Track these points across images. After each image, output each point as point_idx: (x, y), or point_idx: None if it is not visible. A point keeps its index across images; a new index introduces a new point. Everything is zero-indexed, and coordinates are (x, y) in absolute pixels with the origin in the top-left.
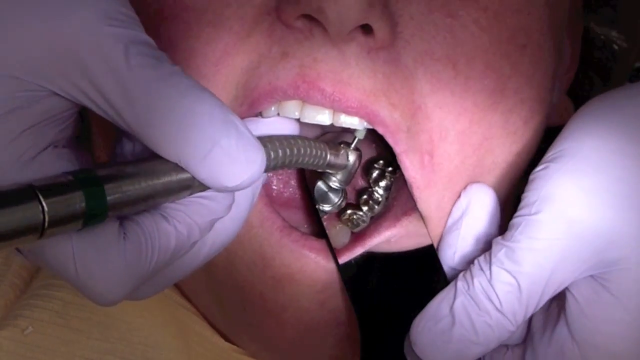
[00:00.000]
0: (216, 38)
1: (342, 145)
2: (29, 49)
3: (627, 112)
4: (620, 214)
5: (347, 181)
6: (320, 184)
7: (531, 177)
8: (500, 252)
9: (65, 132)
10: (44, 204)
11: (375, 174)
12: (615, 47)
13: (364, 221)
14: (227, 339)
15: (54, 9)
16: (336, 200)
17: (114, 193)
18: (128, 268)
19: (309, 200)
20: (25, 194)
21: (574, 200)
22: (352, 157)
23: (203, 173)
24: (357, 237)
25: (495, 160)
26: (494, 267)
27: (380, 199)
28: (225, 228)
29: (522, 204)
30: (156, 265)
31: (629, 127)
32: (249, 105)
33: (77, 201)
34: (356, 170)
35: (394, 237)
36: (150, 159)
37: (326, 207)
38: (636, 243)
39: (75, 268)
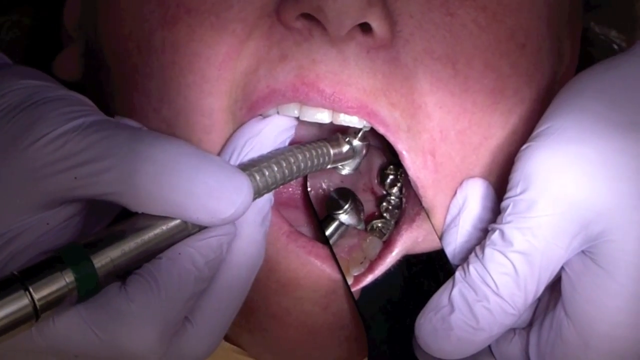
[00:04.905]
0: (219, 41)
1: (342, 136)
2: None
3: (607, 83)
4: (603, 183)
5: (356, 168)
6: (331, 193)
7: (516, 157)
8: (493, 235)
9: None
10: (31, 291)
11: (389, 179)
12: (615, 47)
13: (388, 228)
14: (228, 340)
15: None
16: (345, 205)
17: (103, 262)
18: (148, 316)
19: (309, 200)
20: (10, 284)
21: (555, 175)
22: (356, 143)
23: (194, 213)
24: (386, 245)
25: (496, 160)
26: (487, 250)
27: (398, 203)
28: (244, 249)
29: (509, 185)
30: (177, 301)
31: (610, 97)
32: (248, 109)
33: (65, 281)
34: (364, 157)
35: (420, 237)
36: (136, 217)
37: (340, 215)
38: (619, 213)
39: (98, 336)
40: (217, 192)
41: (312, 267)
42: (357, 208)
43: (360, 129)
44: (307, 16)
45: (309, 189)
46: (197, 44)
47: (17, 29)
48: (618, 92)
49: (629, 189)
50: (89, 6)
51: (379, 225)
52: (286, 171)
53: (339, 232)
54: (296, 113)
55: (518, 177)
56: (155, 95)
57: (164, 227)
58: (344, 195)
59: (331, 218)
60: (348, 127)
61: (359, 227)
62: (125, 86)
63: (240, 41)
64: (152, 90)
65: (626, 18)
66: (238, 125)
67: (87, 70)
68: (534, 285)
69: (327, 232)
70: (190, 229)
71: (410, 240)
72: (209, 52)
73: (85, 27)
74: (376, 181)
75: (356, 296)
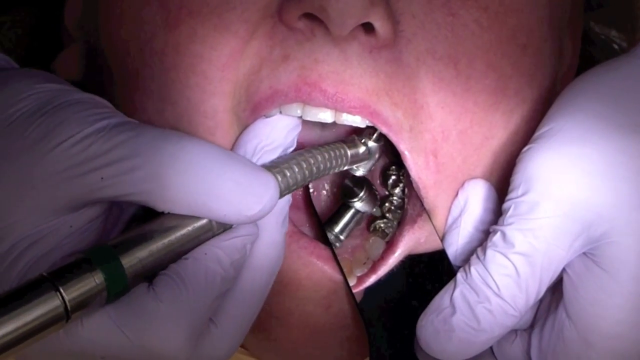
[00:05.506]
0: (222, 42)
1: (357, 137)
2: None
3: (609, 85)
4: (604, 184)
5: (370, 169)
6: (346, 181)
7: (518, 159)
8: (494, 237)
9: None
10: (62, 292)
11: (391, 179)
12: (616, 47)
13: (391, 229)
14: None
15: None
16: (361, 192)
17: (131, 263)
18: (177, 316)
19: (311, 202)
20: (41, 284)
21: (557, 177)
22: (371, 144)
23: (221, 211)
24: (388, 245)
25: (497, 160)
26: (488, 251)
27: (400, 203)
28: (265, 253)
29: (510, 187)
30: (204, 301)
31: (611, 99)
32: (252, 110)
33: (95, 281)
34: (378, 159)
35: (422, 238)
36: (161, 217)
37: (355, 203)
38: (621, 214)
39: (127, 337)
40: (244, 189)
41: (313, 267)
42: (372, 195)
43: (375, 130)
44: (309, 16)
45: (311, 190)
46: (199, 45)
47: (18, 28)
48: (619, 94)
49: (630, 189)
50: (90, 6)
51: (382, 225)
52: (306, 172)
53: (355, 219)
54: (299, 113)
55: (520, 178)
56: (158, 96)
57: (190, 228)
58: (358, 183)
59: (347, 206)
60: (362, 129)
61: (375, 214)
62: (127, 87)
63: (244, 42)
64: (155, 92)
65: (626, 18)
66: (242, 126)
67: (88, 70)
68: (536, 286)
69: (344, 220)
70: (215, 230)
71: (413, 241)
72: (212, 53)
73: (86, 27)
74: (379, 182)
75: (359, 297)
